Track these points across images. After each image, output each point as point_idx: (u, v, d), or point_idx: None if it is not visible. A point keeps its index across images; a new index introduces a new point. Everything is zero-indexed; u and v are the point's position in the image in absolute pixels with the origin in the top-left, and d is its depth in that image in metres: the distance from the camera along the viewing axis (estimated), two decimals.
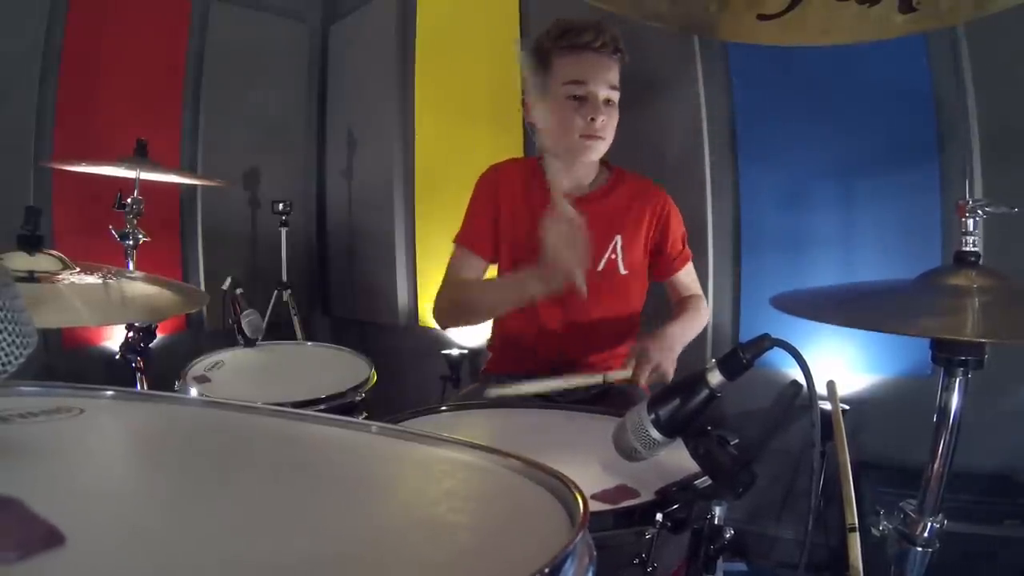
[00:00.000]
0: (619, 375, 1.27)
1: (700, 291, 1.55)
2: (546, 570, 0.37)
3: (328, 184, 3.32)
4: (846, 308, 1.02)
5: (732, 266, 2.10)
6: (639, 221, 1.48)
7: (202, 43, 2.80)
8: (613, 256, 1.46)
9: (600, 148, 1.43)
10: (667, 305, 1.56)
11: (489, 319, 1.55)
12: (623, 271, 1.46)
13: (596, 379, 1.28)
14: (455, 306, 1.47)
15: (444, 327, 1.56)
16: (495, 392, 1.22)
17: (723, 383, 0.77)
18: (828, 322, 0.93)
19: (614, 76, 1.40)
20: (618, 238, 1.46)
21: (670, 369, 1.28)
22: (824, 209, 1.95)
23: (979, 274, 0.91)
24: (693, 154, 2.09)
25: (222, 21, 2.84)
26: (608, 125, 1.41)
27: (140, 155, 1.92)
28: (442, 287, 1.49)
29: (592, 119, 1.37)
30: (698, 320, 1.47)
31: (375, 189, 2.99)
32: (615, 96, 1.41)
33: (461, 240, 1.51)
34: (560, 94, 1.40)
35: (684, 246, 1.53)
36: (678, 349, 1.33)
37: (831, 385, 1.40)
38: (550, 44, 1.41)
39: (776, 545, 2.00)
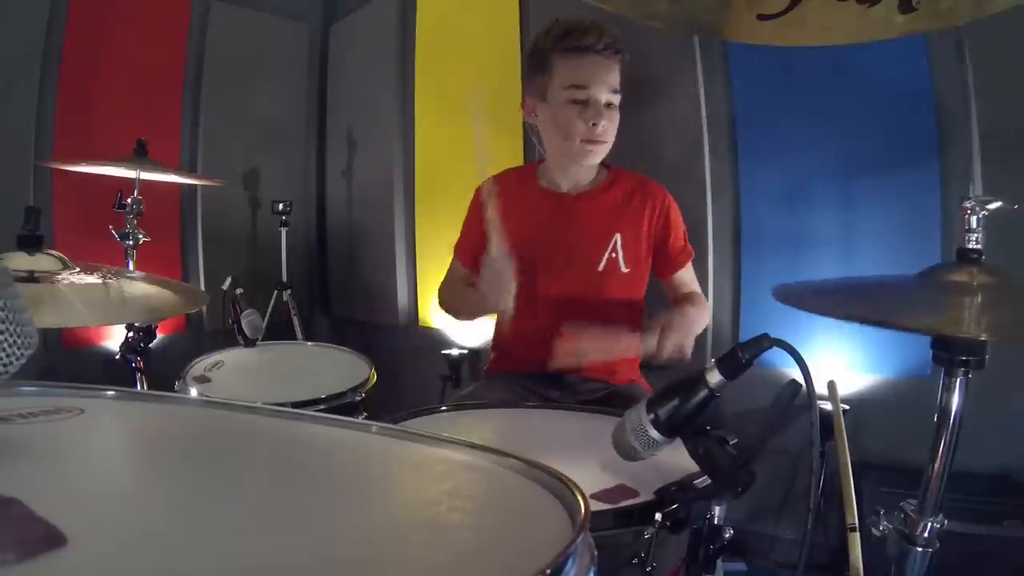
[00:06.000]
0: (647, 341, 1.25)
1: (700, 289, 1.55)
2: (548, 571, 0.37)
3: (328, 184, 3.32)
4: (847, 302, 1.02)
5: (732, 266, 2.10)
6: (639, 218, 1.47)
7: (202, 43, 2.80)
8: (614, 255, 1.45)
9: (601, 152, 1.42)
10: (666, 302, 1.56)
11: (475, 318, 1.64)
12: (625, 269, 1.46)
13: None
14: (447, 305, 1.63)
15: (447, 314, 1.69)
16: None
17: (722, 383, 0.77)
18: (829, 315, 0.92)
19: (615, 79, 1.39)
20: (618, 236, 1.45)
21: (689, 346, 1.26)
22: (824, 208, 1.95)
23: (981, 271, 0.91)
24: (693, 154, 2.08)
25: (222, 21, 2.84)
26: (609, 129, 1.39)
27: (140, 155, 1.92)
28: (441, 283, 1.65)
29: (594, 124, 1.36)
30: (704, 314, 1.46)
31: (375, 189, 2.98)
32: (616, 99, 1.40)
33: (455, 246, 1.63)
34: (561, 98, 1.38)
35: (686, 244, 1.53)
36: (693, 331, 1.30)
37: (831, 385, 1.39)
38: (550, 46, 1.39)
39: (776, 545, 1.99)
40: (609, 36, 1.36)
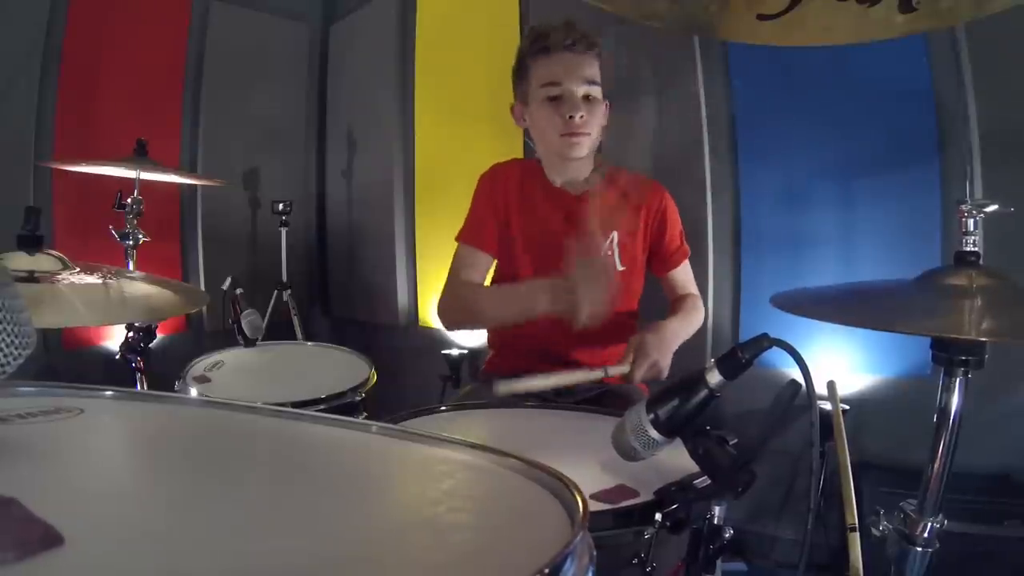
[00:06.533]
0: (618, 370, 1.26)
1: (696, 290, 1.55)
2: (546, 570, 0.37)
3: (328, 184, 3.32)
4: (846, 307, 1.02)
5: (732, 266, 2.10)
6: (635, 217, 1.48)
7: (202, 43, 2.80)
8: (610, 252, 1.46)
9: (584, 144, 1.43)
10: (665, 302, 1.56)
11: (492, 326, 1.55)
12: (620, 267, 1.47)
13: (597, 374, 1.26)
14: (461, 310, 1.46)
15: (449, 328, 1.52)
16: (503, 388, 1.20)
17: (722, 383, 0.77)
18: (828, 321, 0.92)
19: (591, 72, 1.41)
20: (614, 234, 1.46)
21: (666, 365, 1.28)
22: (824, 209, 1.95)
23: (979, 274, 0.91)
24: (693, 154, 2.09)
25: (222, 21, 2.85)
26: (590, 121, 1.40)
27: (140, 155, 1.92)
28: (446, 287, 1.47)
29: (571, 117, 1.38)
30: (694, 319, 1.47)
31: (375, 189, 2.99)
32: (595, 91, 1.41)
33: (465, 238, 1.50)
34: (539, 96, 1.42)
35: (682, 242, 1.53)
36: (674, 346, 1.33)
37: (831, 385, 1.39)
38: (526, 51, 1.44)
39: (776, 545, 1.99)
40: (578, 33, 1.39)
